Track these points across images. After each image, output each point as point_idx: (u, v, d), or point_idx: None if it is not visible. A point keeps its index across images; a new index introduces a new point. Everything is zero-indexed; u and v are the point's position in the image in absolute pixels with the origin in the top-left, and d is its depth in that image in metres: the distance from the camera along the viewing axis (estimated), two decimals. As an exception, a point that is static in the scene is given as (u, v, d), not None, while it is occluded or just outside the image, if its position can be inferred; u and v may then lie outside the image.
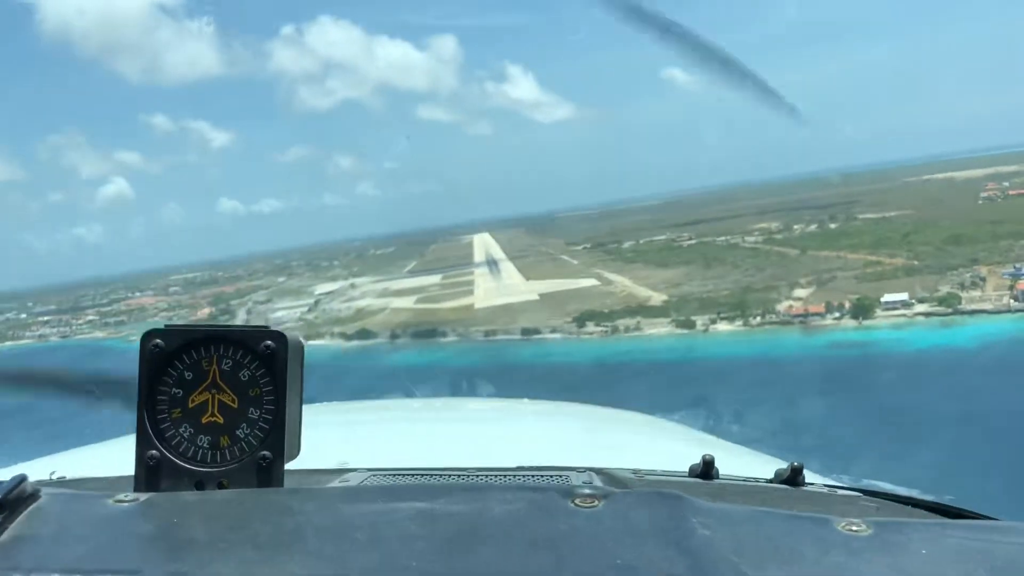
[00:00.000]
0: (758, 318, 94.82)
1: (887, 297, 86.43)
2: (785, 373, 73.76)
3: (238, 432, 1.61)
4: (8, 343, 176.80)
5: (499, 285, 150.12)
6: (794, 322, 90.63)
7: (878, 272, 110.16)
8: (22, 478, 1.34)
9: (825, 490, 2.18)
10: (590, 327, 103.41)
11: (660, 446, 4.06)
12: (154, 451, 1.59)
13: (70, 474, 2.33)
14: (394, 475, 2.11)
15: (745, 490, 2.02)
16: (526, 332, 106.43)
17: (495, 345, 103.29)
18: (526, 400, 5.59)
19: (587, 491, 1.36)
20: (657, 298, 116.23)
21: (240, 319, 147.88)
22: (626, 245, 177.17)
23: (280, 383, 1.61)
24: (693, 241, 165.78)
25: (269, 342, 1.61)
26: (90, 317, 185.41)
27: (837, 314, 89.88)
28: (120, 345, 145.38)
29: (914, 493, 2.19)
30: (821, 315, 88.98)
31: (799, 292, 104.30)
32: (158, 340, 1.61)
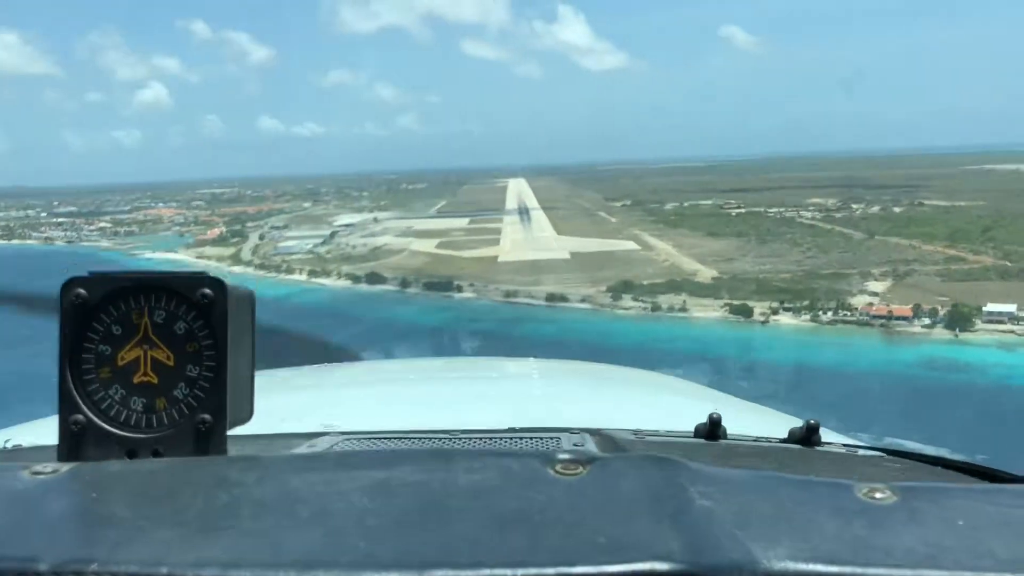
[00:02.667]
0: (829, 313, 75.22)
1: (991, 307, 68.84)
2: (869, 396, 56.74)
3: (176, 393, 1.40)
4: (15, 241, 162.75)
5: (528, 237, 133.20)
6: (874, 324, 71.52)
7: (964, 271, 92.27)
8: None
9: (844, 450, 1.97)
10: (627, 300, 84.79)
11: (666, 404, 3.64)
12: (79, 415, 1.38)
13: (27, 442, 2.02)
14: (369, 439, 1.89)
15: (755, 451, 1.82)
16: (552, 298, 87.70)
17: (515, 309, 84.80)
18: (531, 359, 4.74)
19: (569, 456, 1.18)
20: (705, 273, 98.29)
21: (250, 244, 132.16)
22: (668, 207, 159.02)
23: (221, 336, 1.38)
24: (742, 210, 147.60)
25: (207, 290, 1.38)
26: (103, 224, 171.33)
27: (928, 320, 71.85)
28: (118, 258, 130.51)
29: (943, 453, 2.00)
30: (907, 319, 71.39)
31: (874, 285, 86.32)
32: (80, 289, 1.37)
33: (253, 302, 1.45)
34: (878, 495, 1.05)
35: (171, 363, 1.39)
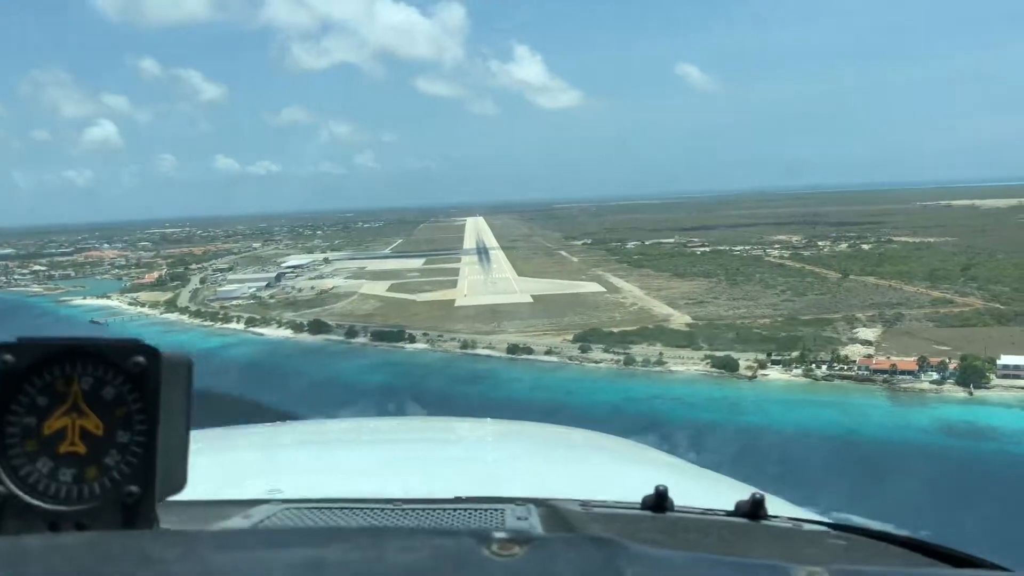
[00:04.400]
0: (823, 367, 64.54)
1: (1005, 359, 59.49)
2: (880, 472, 47.50)
3: (107, 461, 1.29)
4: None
5: (487, 279, 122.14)
6: (875, 379, 61.18)
7: (956, 315, 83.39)
8: None
9: (789, 524, 1.93)
10: (596, 351, 73.07)
11: (616, 471, 3.58)
12: (0, 487, 1.28)
13: None
14: (308, 508, 1.80)
15: (700, 526, 1.80)
16: (514, 350, 75.72)
17: (473, 362, 74.21)
18: (486, 420, 4.64)
19: (506, 536, 1.14)
20: (678, 318, 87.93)
21: (190, 288, 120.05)
22: (630, 245, 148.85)
23: (152, 406, 1.29)
24: (707, 249, 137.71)
25: (139, 358, 1.28)
26: (37, 267, 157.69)
27: (936, 375, 61.40)
28: (45, 304, 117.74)
29: (887, 527, 1.95)
30: (913, 373, 62.07)
31: (864, 332, 76.95)
32: (7, 355, 1.29)
33: (190, 368, 1.36)
34: None
35: (100, 432, 1.29)
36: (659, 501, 1.86)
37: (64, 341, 1.28)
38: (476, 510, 1.84)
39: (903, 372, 60.49)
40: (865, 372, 61.92)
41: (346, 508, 1.83)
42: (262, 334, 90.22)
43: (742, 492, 2.00)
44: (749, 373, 64.20)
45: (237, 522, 1.58)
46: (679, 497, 1.92)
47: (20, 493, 1.26)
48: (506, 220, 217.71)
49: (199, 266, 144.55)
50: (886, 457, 47.69)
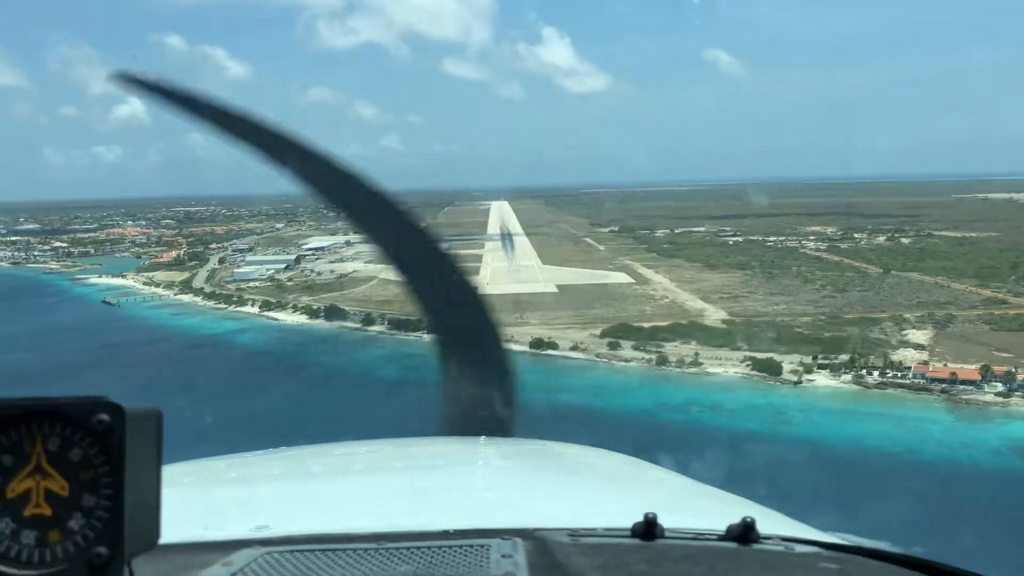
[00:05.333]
0: (875, 373, 57.70)
1: (1081, 370, 54.08)
2: (958, 503, 41.39)
3: (71, 524, 1.23)
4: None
5: (512, 267, 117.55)
6: (932, 389, 54.65)
7: (1012, 317, 76.27)
8: None
9: (781, 547, 1.90)
10: (626, 349, 66.39)
11: (608, 494, 3.48)
12: None
13: None
14: (291, 551, 1.75)
15: (690, 553, 1.77)
16: (538, 344, 68.79)
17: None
18: (481, 439, 4.56)
19: None
20: (713, 314, 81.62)
21: (208, 268, 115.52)
22: (659, 234, 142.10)
23: (118, 465, 1.23)
24: (739, 239, 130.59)
25: (103, 416, 1.23)
26: (58, 243, 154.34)
27: (1001, 386, 52.44)
28: (58, 282, 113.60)
29: (881, 545, 1.93)
30: (975, 384, 56.98)
31: (915, 335, 70.60)
32: None
33: (159, 421, 1.31)
34: None
35: (65, 493, 1.23)
36: (648, 528, 1.83)
37: (26, 402, 1.24)
38: (462, 547, 1.79)
39: (964, 382, 54.50)
40: (921, 380, 55.97)
41: (329, 550, 1.75)
42: (276, 319, 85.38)
43: (737, 509, 1.99)
44: (794, 378, 58.44)
45: (216, 572, 1.51)
46: (672, 519, 1.89)
47: None
48: (531, 205, 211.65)
49: (219, 246, 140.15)
50: (954, 482, 41.95)
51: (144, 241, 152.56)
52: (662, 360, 63.63)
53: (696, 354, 63.61)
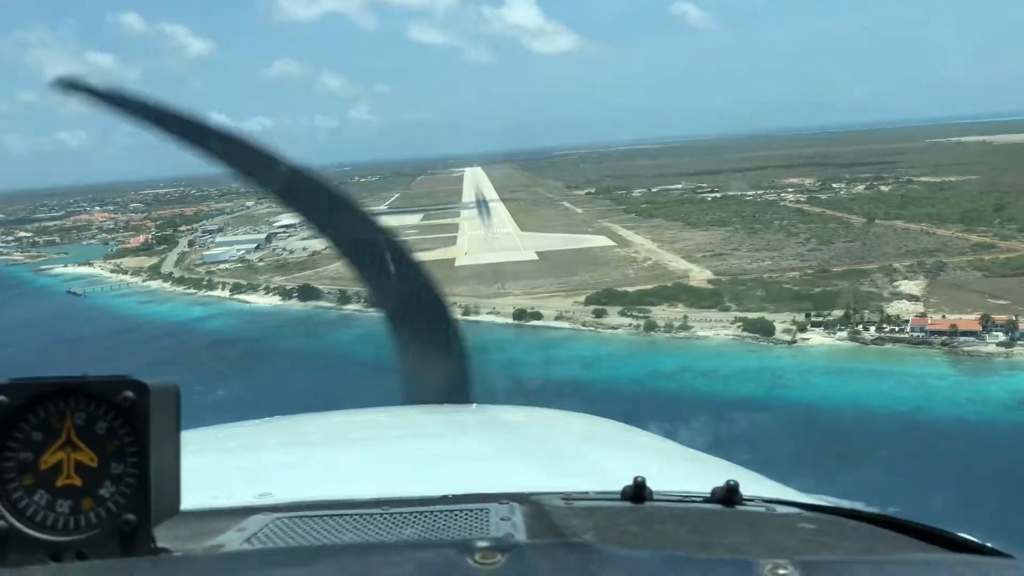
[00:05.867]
0: (871, 328, 54.23)
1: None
2: (971, 464, 38.83)
3: (102, 492, 1.33)
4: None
5: (489, 234, 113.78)
6: (932, 342, 51.72)
7: (1003, 262, 74.16)
8: None
9: (762, 508, 1.99)
10: (613, 316, 62.42)
11: (599, 459, 3.53)
12: (1, 521, 1.32)
13: None
14: (300, 517, 1.82)
15: (677, 514, 1.85)
16: (521, 315, 65.44)
17: (475, 332, 66.40)
18: (473, 407, 4.64)
19: (488, 545, 1.24)
20: (698, 274, 77.41)
21: (177, 251, 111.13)
22: (636, 193, 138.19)
23: (143, 437, 1.34)
24: (717, 194, 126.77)
25: (128, 393, 1.34)
26: (23, 233, 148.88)
27: (1002, 336, 49.48)
28: (22, 273, 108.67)
29: (857, 505, 2.02)
30: (976, 335, 54.18)
31: (907, 285, 67.15)
32: (2, 397, 1.34)
33: (177, 396, 1.42)
34: (781, 572, 1.10)
35: (95, 464, 1.33)
36: (638, 492, 1.91)
37: (55, 381, 1.34)
38: (462, 511, 1.85)
39: (965, 333, 51.96)
40: (920, 334, 53.39)
41: (335, 515, 1.81)
42: (248, 302, 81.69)
43: (722, 473, 2.06)
44: (788, 337, 55.73)
45: (231, 537, 1.61)
46: (660, 483, 1.96)
47: (21, 526, 1.31)
48: (505, 170, 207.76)
49: (189, 228, 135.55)
50: (964, 441, 39.46)
51: (112, 227, 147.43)
52: (650, 326, 60.70)
53: (685, 317, 60.75)
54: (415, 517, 1.80)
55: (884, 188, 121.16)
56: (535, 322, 64.81)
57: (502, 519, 1.75)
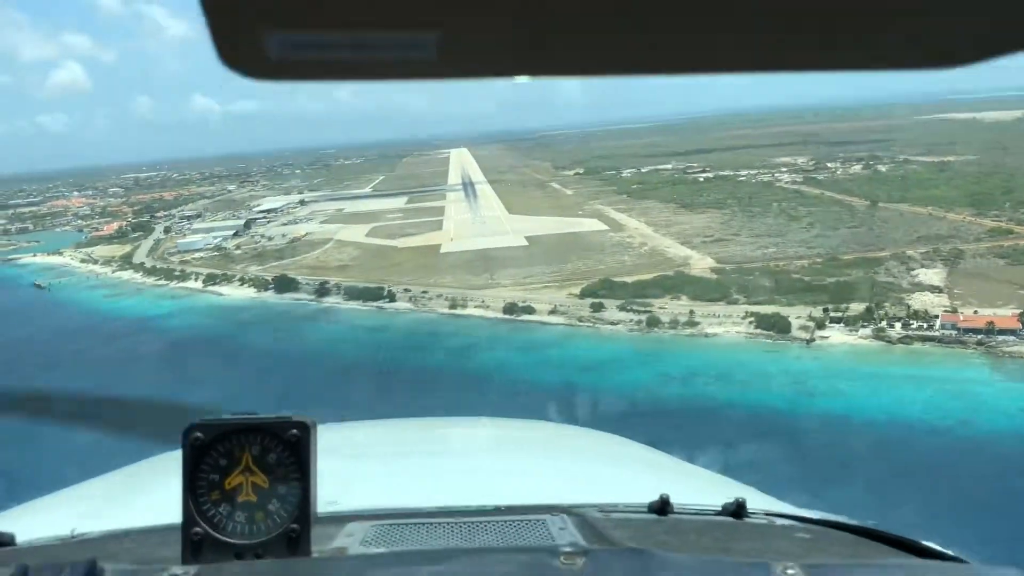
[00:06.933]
0: (897, 325, 47.61)
1: None
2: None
3: (270, 507, 1.68)
4: None
5: (476, 218, 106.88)
6: (967, 341, 45.49)
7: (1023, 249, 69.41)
8: (92, 562, 1.47)
9: (765, 521, 2.23)
10: (611, 310, 55.52)
11: (622, 476, 3.72)
12: (198, 528, 1.65)
13: (64, 529, 2.16)
14: (391, 524, 2.06)
15: (697, 526, 2.10)
16: (511, 310, 58.48)
17: (463, 328, 55.22)
18: (483, 419, 4.84)
19: (569, 549, 1.52)
20: (699, 261, 69.13)
21: (152, 239, 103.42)
22: (626, 174, 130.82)
23: (305, 464, 1.69)
24: (710, 174, 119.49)
25: (295, 431, 1.69)
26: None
27: None
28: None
29: (841, 519, 2.23)
30: (1016, 333, 48.39)
31: (926, 275, 59.87)
32: (198, 433, 1.69)
33: (315, 429, 1.73)
34: (790, 571, 1.35)
35: (266, 485, 1.67)
36: (662, 506, 2.12)
37: (238, 421, 1.69)
38: (523, 521, 2.02)
39: (1003, 331, 46.30)
40: (953, 332, 47.60)
41: (420, 523, 2.01)
42: (221, 294, 75.18)
43: (726, 490, 2.29)
44: (805, 335, 49.91)
45: (347, 541, 1.84)
46: (677, 496, 2.17)
47: (212, 532, 1.64)
48: (492, 151, 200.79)
49: (167, 213, 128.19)
50: (1005, 456, 33.82)
51: (88, 213, 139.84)
52: (653, 321, 54.67)
53: (691, 312, 54.78)
54: (486, 526, 1.97)
55: (881, 168, 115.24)
56: (527, 317, 58.67)
57: (560, 528, 1.95)
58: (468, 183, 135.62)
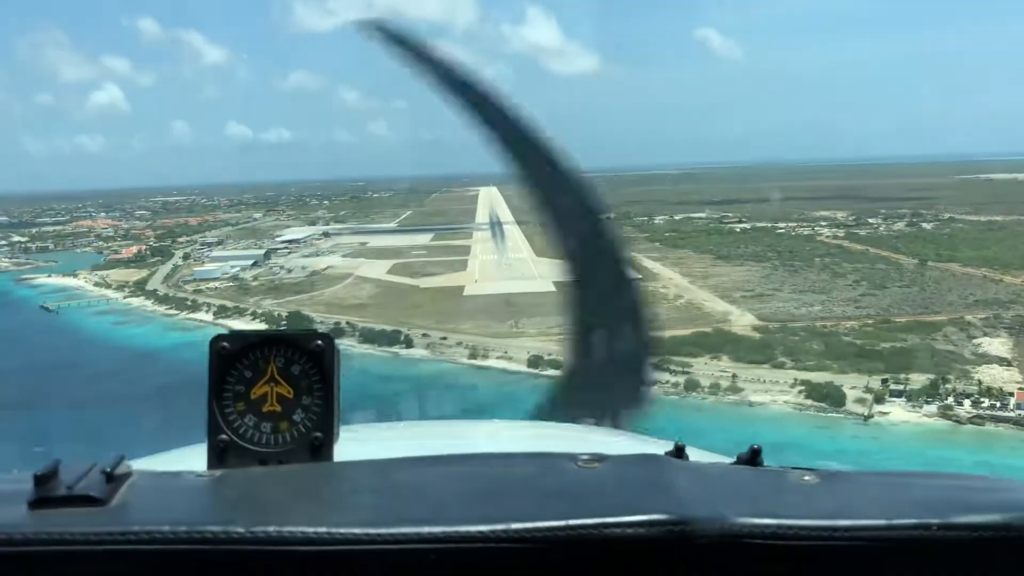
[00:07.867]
0: (965, 402, 46.55)
1: None
2: None
3: (295, 417, 1.70)
4: None
5: (502, 259, 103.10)
6: None
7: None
8: (120, 456, 1.52)
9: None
10: None
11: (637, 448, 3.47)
12: (223, 436, 1.69)
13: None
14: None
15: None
16: (536, 363, 52.96)
17: (483, 381, 54.72)
18: (496, 421, 4.93)
19: (588, 456, 1.57)
20: (739, 318, 64.26)
21: (169, 265, 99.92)
22: (659, 220, 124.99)
23: (328, 375, 1.71)
24: (746, 225, 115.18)
25: (319, 342, 1.71)
26: (18, 238, 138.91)
27: None
28: (2, 283, 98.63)
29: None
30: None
31: (990, 344, 54.50)
32: (224, 343, 1.71)
33: (338, 348, 1.75)
34: (807, 478, 1.49)
35: (291, 396, 1.70)
36: (678, 453, 2.07)
37: (263, 333, 1.73)
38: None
39: (1089, 418, 40.88)
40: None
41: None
42: (230, 325, 70.91)
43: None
44: (862, 409, 44.69)
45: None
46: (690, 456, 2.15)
47: (237, 440, 1.68)
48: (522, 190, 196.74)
49: (189, 239, 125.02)
50: None
51: (111, 235, 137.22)
52: (691, 385, 49.55)
53: (733, 376, 49.70)
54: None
55: (926, 226, 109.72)
56: (553, 372, 53.65)
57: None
58: (496, 222, 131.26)
